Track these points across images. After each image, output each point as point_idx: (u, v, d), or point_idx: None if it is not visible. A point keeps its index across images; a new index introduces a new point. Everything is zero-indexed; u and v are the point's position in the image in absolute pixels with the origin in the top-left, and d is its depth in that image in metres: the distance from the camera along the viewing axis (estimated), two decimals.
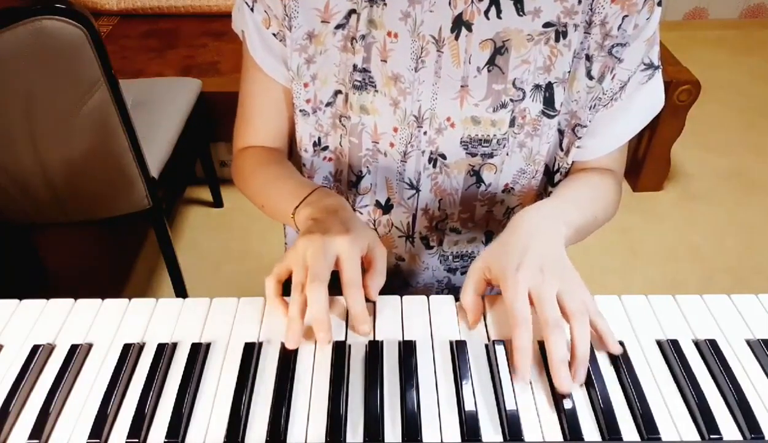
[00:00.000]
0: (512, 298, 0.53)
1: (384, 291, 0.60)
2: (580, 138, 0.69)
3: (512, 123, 0.69)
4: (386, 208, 0.78)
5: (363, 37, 0.65)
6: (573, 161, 0.73)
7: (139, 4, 2.22)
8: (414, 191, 0.76)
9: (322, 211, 0.61)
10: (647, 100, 0.68)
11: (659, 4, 0.62)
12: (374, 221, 0.80)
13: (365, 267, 0.59)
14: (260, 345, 0.56)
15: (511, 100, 0.67)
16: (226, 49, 2.04)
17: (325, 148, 0.75)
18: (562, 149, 0.72)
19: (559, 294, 0.53)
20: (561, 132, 0.71)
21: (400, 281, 0.86)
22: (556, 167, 0.74)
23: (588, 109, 0.67)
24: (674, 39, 2.27)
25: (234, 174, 0.78)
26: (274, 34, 0.68)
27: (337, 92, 0.70)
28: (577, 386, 0.52)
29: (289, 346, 0.54)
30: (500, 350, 0.54)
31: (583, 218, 0.64)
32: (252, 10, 0.67)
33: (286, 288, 0.58)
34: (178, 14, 2.23)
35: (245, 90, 0.74)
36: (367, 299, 0.57)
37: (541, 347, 0.55)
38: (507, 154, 0.71)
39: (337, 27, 0.65)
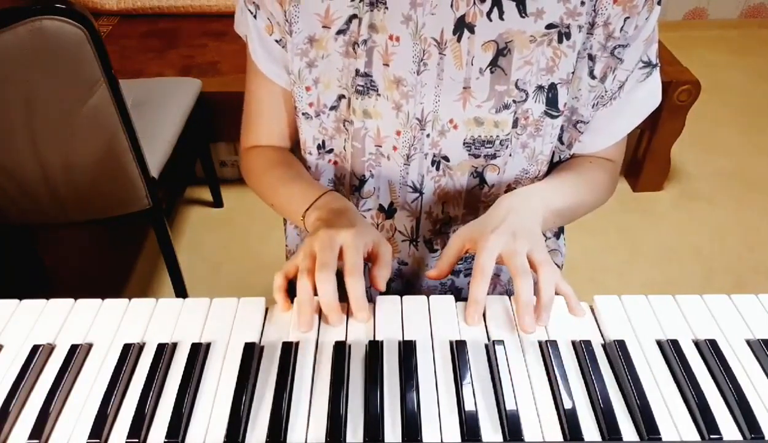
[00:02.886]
0: (480, 252, 0.57)
1: (386, 294, 0.60)
2: (582, 133, 0.71)
3: (515, 124, 0.69)
4: (389, 212, 0.78)
5: (365, 41, 0.65)
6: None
7: (139, 4, 2.22)
8: (417, 195, 0.76)
9: (329, 213, 0.63)
10: (645, 97, 0.70)
11: (659, 3, 0.62)
12: (377, 225, 0.80)
13: (372, 260, 0.61)
14: (260, 345, 0.56)
15: (514, 101, 0.67)
16: (226, 49, 2.04)
17: (330, 151, 0.76)
18: (562, 143, 0.73)
19: (528, 253, 0.57)
20: (561, 127, 0.71)
21: (403, 286, 0.85)
22: (555, 159, 0.75)
23: (590, 107, 0.68)
24: (674, 39, 2.27)
25: (244, 173, 0.80)
26: (277, 41, 0.68)
27: (341, 97, 0.70)
28: (542, 329, 0.56)
29: (302, 330, 0.57)
30: (500, 350, 0.54)
31: (565, 203, 0.68)
32: (255, 17, 0.68)
33: (291, 290, 0.59)
34: (178, 14, 2.23)
35: (249, 92, 0.76)
36: (369, 290, 0.58)
37: (542, 348, 0.55)
38: (510, 155, 0.71)
39: (339, 32, 0.65)
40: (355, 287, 0.56)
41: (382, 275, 0.60)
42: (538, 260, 0.57)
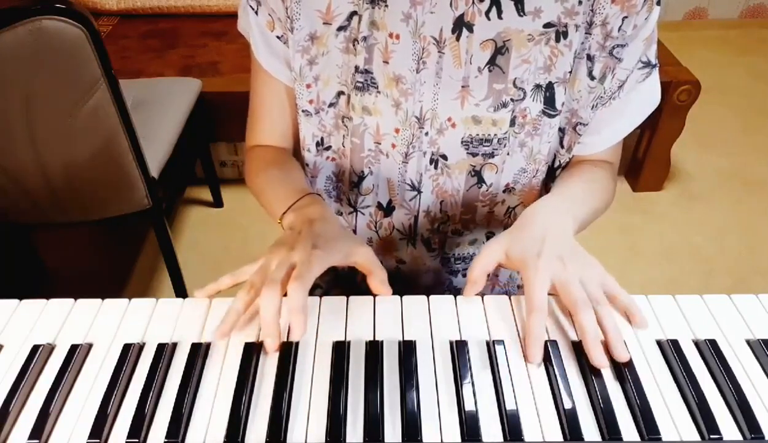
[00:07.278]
0: (533, 284, 0.55)
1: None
2: (581, 135, 0.71)
3: (513, 122, 0.69)
4: (388, 210, 0.78)
5: (365, 38, 0.65)
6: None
7: (139, 4, 2.22)
8: (415, 193, 0.76)
9: (301, 219, 0.62)
10: (644, 97, 0.70)
11: (658, 3, 0.62)
12: (376, 222, 0.80)
13: (365, 273, 0.61)
14: (260, 345, 0.56)
15: (512, 99, 0.67)
16: (226, 49, 2.04)
17: (328, 148, 0.76)
18: (563, 146, 0.73)
19: (581, 281, 0.55)
20: (562, 130, 0.72)
21: (401, 285, 0.85)
22: (557, 164, 0.75)
23: (590, 108, 0.68)
24: (674, 39, 2.27)
25: (245, 173, 0.80)
26: (278, 37, 0.68)
27: (340, 93, 0.70)
28: (622, 359, 0.53)
29: (216, 337, 0.55)
30: (500, 350, 0.54)
31: (584, 212, 0.67)
32: (256, 13, 0.68)
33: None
34: (178, 14, 2.23)
35: (253, 91, 0.76)
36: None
37: (543, 345, 0.55)
38: (508, 153, 0.72)
39: (339, 29, 0.66)
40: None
41: (380, 278, 0.59)
42: (592, 297, 0.55)
